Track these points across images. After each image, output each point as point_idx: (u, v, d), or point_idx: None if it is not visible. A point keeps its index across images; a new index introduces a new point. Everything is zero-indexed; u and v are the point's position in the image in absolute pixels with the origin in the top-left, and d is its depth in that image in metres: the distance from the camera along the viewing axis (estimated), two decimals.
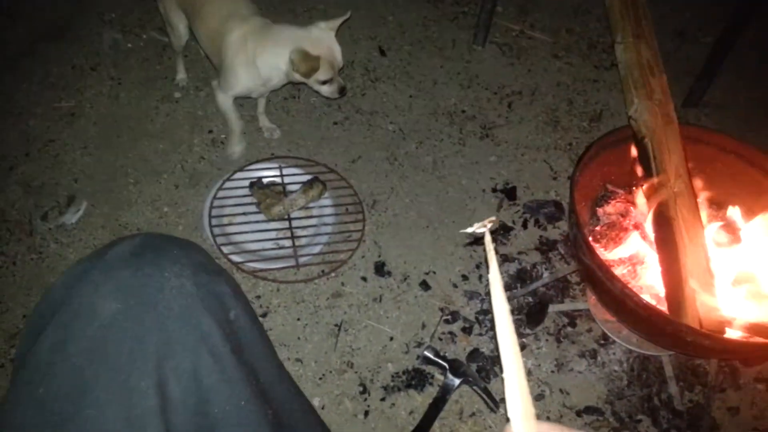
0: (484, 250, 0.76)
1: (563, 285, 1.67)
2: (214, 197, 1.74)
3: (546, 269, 1.70)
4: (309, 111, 2.03)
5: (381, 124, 2.03)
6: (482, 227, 0.55)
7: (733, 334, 1.22)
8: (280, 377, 0.79)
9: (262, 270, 1.63)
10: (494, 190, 1.89)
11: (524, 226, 1.82)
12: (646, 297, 1.32)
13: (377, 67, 2.20)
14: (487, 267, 0.68)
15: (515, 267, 1.71)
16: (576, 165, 1.38)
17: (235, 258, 1.62)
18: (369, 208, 1.80)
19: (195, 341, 0.67)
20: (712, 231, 1.40)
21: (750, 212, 1.44)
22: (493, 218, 0.55)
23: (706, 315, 1.20)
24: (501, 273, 1.68)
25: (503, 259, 1.72)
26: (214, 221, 1.69)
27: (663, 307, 1.27)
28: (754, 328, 1.22)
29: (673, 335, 1.20)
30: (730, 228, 1.41)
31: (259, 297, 1.60)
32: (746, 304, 1.32)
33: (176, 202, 1.78)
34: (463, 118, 2.08)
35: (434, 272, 1.69)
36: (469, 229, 0.55)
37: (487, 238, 0.55)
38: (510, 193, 1.89)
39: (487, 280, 0.61)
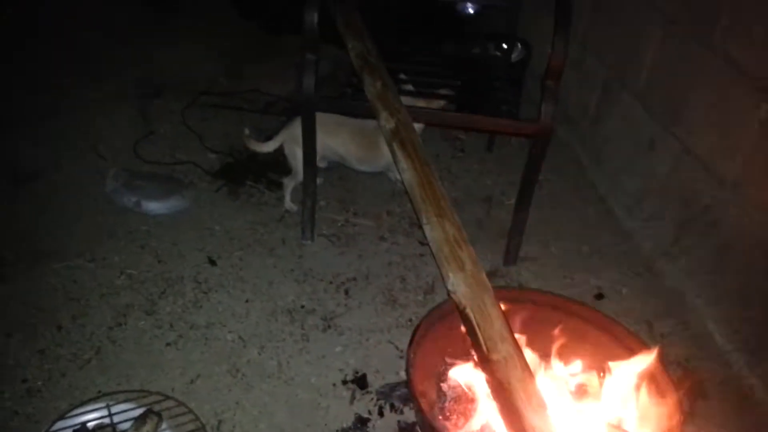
0: None
1: None
2: None
3: None
4: (138, 337, 1.91)
5: (218, 335, 1.96)
6: None
7: None
8: None
9: None
10: (345, 382, 1.85)
11: (380, 413, 1.76)
12: None
13: (209, 278, 2.16)
14: None
15: None
16: (408, 347, 1.39)
17: None
18: (214, 431, 1.67)
19: None
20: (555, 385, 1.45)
21: (579, 359, 1.52)
22: None
23: None
24: None
25: None
26: None
27: None
28: None
29: None
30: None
31: None
32: None
33: None
34: (303, 313, 2.07)
35: None
36: None
37: None
38: (361, 382, 1.85)
39: None
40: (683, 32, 2.23)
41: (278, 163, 2.74)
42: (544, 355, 1.53)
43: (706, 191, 2.10)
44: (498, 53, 2.95)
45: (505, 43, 2.94)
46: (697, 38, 2.14)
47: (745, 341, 1.92)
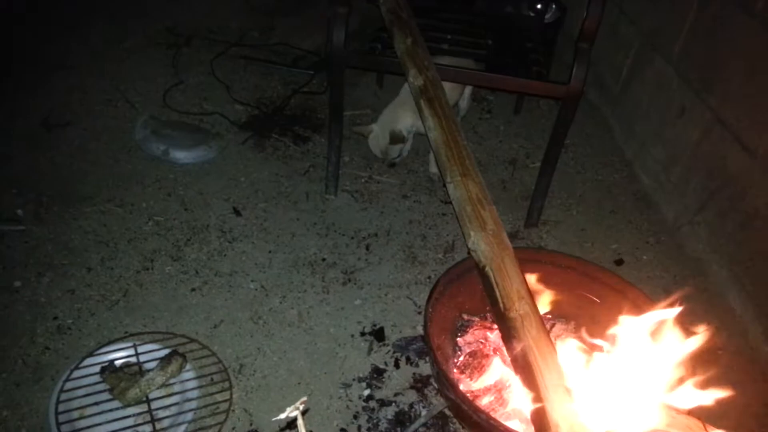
0: None
1: (442, 421, 1.65)
2: (61, 390, 1.59)
3: (423, 407, 1.69)
4: (164, 281, 1.97)
5: (242, 283, 2.01)
6: (294, 410, 0.54)
7: None
8: None
9: None
10: (362, 334, 1.89)
11: (396, 365, 1.81)
12: (515, 423, 1.34)
13: (233, 227, 2.21)
14: None
15: (393, 411, 1.68)
16: (426, 302, 1.42)
17: None
18: (236, 374, 1.73)
19: None
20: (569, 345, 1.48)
21: (593, 321, 1.54)
22: (304, 398, 0.55)
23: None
24: (380, 419, 1.65)
25: (380, 404, 1.69)
26: (61, 417, 1.53)
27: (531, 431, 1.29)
28: None
29: None
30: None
31: None
32: (611, 412, 1.37)
33: (18, 402, 1.61)
34: (324, 266, 2.11)
35: None
36: (282, 415, 0.54)
37: (299, 422, 0.54)
38: (378, 334, 1.89)
39: None
40: None
41: (304, 117, 2.76)
42: (561, 317, 1.55)
43: (734, 162, 2.07)
44: (531, 13, 2.90)
45: (539, 3, 2.88)
46: (738, 5, 2.08)
47: (764, 313, 1.92)
